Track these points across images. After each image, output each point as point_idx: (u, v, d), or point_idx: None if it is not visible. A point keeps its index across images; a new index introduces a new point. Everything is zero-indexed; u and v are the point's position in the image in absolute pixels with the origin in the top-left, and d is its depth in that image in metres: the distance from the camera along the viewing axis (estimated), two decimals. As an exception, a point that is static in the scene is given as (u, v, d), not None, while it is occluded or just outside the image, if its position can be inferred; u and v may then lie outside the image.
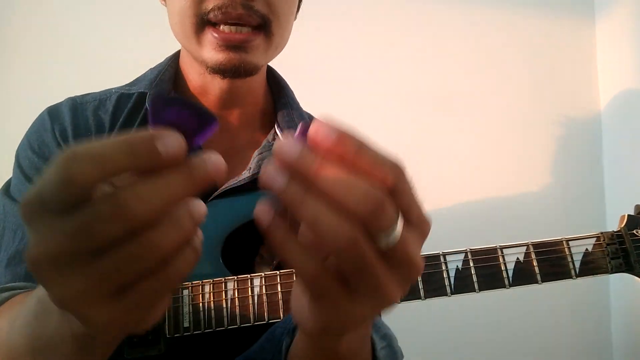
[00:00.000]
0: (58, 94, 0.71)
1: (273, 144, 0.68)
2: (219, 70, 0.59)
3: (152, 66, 0.72)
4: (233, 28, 0.57)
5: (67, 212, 0.24)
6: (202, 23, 0.57)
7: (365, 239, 0.26)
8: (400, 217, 0.27)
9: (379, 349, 0.48)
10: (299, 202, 0.25)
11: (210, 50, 0.58)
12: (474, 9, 1.37)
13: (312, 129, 0.25)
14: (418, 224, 0.29)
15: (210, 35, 0.57)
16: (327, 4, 0.70)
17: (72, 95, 0.69)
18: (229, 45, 0.57)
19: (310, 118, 0.78)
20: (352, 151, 0.26)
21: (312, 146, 0.26)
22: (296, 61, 0.66)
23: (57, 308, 0.30)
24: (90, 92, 0.70)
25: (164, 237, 0.25)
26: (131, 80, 0.72)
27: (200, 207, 0.27)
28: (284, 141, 0.26)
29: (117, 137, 0.24)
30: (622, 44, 1.30)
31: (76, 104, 0.67)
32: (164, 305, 0.31)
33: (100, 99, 0.68)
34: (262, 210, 0.27)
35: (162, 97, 0.24)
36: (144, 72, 0.72)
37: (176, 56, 0.72)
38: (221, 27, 0.57)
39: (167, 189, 0.24)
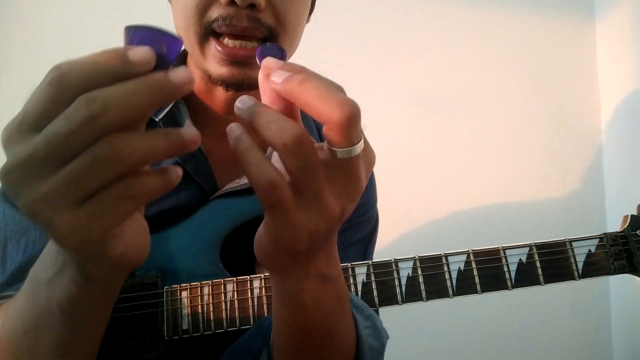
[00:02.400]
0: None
1: None
2: (222, 82, 0.57)
3: None
4: (237, 42, 0.55)
5: (40, 125, 0.26)
6: (206, 33, 0.55)
7: (311, 145, 0.30)
8: (362, 136, 0.31)
9: (362, 327, 0.49)
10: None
11: (214, 63, 0.56)
12: (473, 9, 1.37)
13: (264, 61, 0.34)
14: (367, 151, 0.33)
15: (213, 48, 0.55)
16: (326, 5, 0.70)
17: None
18: (233, 61, 0.55)
19: (314, 121, 0.77)
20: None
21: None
22: (296, 61, 0.65)
23: (43, 277, 0.35)
24: None
25: (131, 145, 0.26)
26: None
27: (188, 133, 0.29)
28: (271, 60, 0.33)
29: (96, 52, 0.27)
30: (622, 44, 1.30)
31: None
32: (137, 234, 0.33)
33: None
34: (233, 126, 0.32)
35: (132, 26, 0.28)
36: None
37: (184, 55, 0.70)
38: (225, 40, 0.55)
39: (135, 93, 0.26)
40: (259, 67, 0.56)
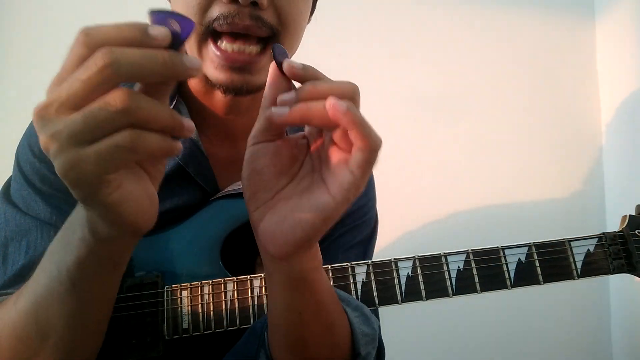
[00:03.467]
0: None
1: None
2: (220, 87, 0.56)
3: None
4: (236, 46, 0.54)
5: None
6: (206, 33, 0.54)
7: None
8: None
9: (353, 317, 0.51)
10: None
11: (212, 67, 0.55)
12: (473, 10, 1.37)
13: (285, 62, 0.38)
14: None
15: (212, 52, 0.54)
16: (326, 6, 0.70)
17: None
18: (232, 67, 0.54)
19: None
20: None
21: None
22: (297, 60, 0.65)
23: (56, 248, 0.39)
24: None
25: (138, 101, 0.30)
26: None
27: (187, 121, 0.34)
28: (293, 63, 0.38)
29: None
30: (622, 44, 1.30)
31: None
32: (140, 193, 0.35)
33: None
34: (337, 102, 0.35)
35: (155, 10, 0.33)
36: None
37: None
38: (224, 44, 0.54)
39: (151, 60, 0.30)
40: (258, 73, 0.56)
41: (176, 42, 0.32)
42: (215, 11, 0.53)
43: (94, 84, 0.29)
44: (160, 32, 0.31)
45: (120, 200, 0.33)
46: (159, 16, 0.32)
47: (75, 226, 0.37)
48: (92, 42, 0.30)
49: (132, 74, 0.29)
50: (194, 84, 0.65)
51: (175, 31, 0.32)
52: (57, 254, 0.39)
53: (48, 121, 0.30)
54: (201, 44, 0.55)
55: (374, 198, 0.79)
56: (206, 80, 0.57)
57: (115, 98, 0.29)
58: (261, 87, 0.57)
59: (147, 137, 0.31)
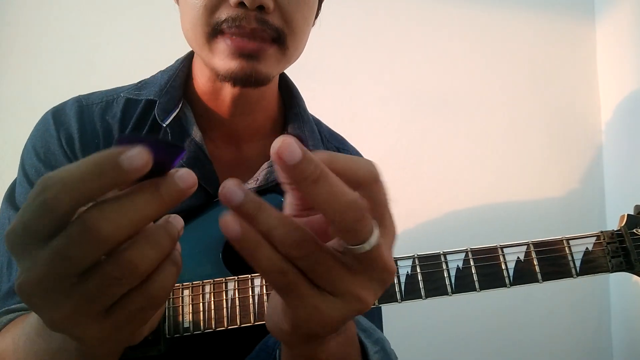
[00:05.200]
0: (57, 92, 0.71)
1: None
2: (230, 78, 0.57)
3: (152, 64, 0.71)
4: (246, 37, 0.55)
5: (47, 239, 0.25)
6: (215, 32, 0.55)
7: (319, 247, 0.28)
8: (376, 225, 0.28)
9: (372, 353, 0.48)
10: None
11: (223, 58, 0.56)
12: (473, 9, 1.37)
13: (278, 149, 0.25)
14: (389, 230, 0.31)
15: (223, 43, 0.55)
16: (327, 5, 0.70)
17: (72, 94, 0.68)
18: (242, 54, 0.55)
19: (318, 125, 0.78)
20: (324, 163, 0.27)
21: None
22: (298, 60, 0.66)
23: None
24: (95, 90, 0.68)
25: (141, 256, 0.26)
26: (132, 78, 0.71)
27: (176, 222, 0.28)
28: (286, 146, 0.25)
29: (86, 158, 0.25)
30: (622, 44, 1.30)
31: (82, 106, 0.65)
32: (156, 317, 0.32)
33: (107, 100, 0.66)
34: (229, 220, 0.27)
35: (128, 137, 0.25)
36: (146, 69, 0.71)
37: (189, 59, 0.70)
38: (233, 38, 0.55)
39: (134, 208, 0.25)
40: (265, 61, 0.57)
41: (161, 169, 0.26)
42: (223, 14, 0.54)
43: (84, 258, 0.25)
44: (136, 159, 0.24)
45: (140, 334, 0.32)
46: (128, 142, 0.25)
47: (65, 355, 0.34)
48: (55, 202, 0.24)
49: (121, 236, 0.25)
50: (201, 85, 0.66)
51: (160, 164, 0.25)
52: (58, 334, 0.34)
53: (46, 301, 0.26)
54: (211, 40, 0.56)
55: None
56: (216, 75, 0.58)
57: (116, 268, 0.25)
58: (266, 80, 0.58)
59: (159, 279, 0.28)
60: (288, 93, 0.74)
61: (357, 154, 0.80)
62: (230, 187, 0.26)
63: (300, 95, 0.75)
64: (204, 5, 0.54)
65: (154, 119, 0.64)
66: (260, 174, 0.66)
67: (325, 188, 0.26)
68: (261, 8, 0.53)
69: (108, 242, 0.24)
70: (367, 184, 0.29)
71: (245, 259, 0.28)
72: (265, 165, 0.67)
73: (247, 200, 0.26)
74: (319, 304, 0.29)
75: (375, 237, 0.28)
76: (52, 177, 0.24)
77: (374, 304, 0.57)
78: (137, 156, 0.24)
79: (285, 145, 0.25)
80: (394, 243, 0.32)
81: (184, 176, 0.26)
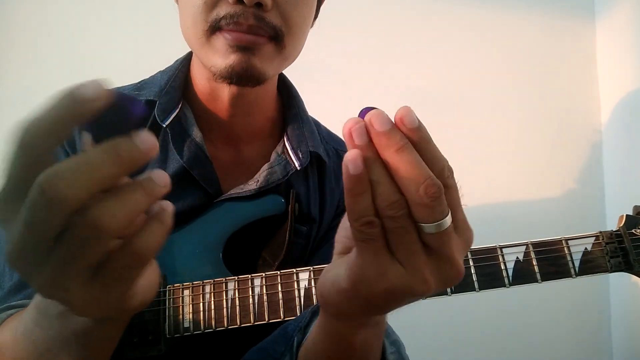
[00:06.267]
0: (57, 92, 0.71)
1: (282, 157, 0.68)
2: (227, 75, 0.57)
3: (152, 64, 0.71)
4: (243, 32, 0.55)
5: (18, 209, 0.25)
6: (213, 29, 0.56)
7: (410, 215, 0.30)
8: (449, 214, 0.30)
9: (389, 352, 0.49)
10: (373, 163, 0.29)
11: (221, 54, 0.56)
12: (473, 9, 1.37)
13: (398, 115, 0.30)
14: (463, 230, 0.33)
15: (221, 38, 0.56)
16: (327, 4, 0.70)
17: None
18: (238, 46, 0.55)
19: (317, 126, 0.78)
20: (423, 140, 0.30)
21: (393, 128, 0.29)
22: (297, 60, 0.66)
23: (54, 311, 0.33)
24: None
25: (106, 213, 0.25)
26: (132, 78, 0.71)
27: (158, 178, 0.28)
28: (377, 114, 0.30)
29: (95, 146, 0.26)
30: (622, 44, 1.30)
31: None
32: (151, 283, 0.32)
33: None
34: (357, 157, 0.29)
35: (92, 123, 0.26)
36: (145, 69, 0.71)
37: (187, 59, 0.70)
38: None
39: (91, 168, 0.25)
40: (261, 58, 0.57)
41: (130, 125, 0.26)
42: (222, 11, 0.55)
43: (50, 226, 0.25)
44: (148, 139, 0.26)
45: (142, 296, 0.32)
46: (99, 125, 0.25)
47: (63, 342, 0.34)
48: (70, 193, 0.24)
49: (83, 198, 0.25)
50: (200, 86, 0.66)
51: (130, 119, 0.26)
52: (55, 320, 0.35)
53: (30, 266, 0.26)
54: (209, 37, 0.57)
55: None
56: (213, 73, 0.58)
57: (82, 230, 0.25)
58: (262, 78, 0.59)
59: (146, 237, 0.28)
60: (287, 94, 0.74)
61: None
62: (380, 115, 0.29)
63: (299, 96, 0.75)
64: (203, 2, 0.55)
65: (153, 119, 0.64)
66: (261, 175, 0.66)
67: (411, 156, 0.28)
68: (259, 5, 0.54)
69: (67, 203, 0.24)
70: (444, 178, 0.30)
71: (346, 199, 0.29)
72: (265, 166, 0.67)
73: (392, 132, 0.29)
74: (388, 268, 0.31)
75: (447, 221, 0.30)
76: (62, 169, 0.25)
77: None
78: (149, 138, 0.26)
79: (376, 113, 0.29)
80: (467, 249, 0.33)
81: (145, 138, 0.26)
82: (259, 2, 0.53)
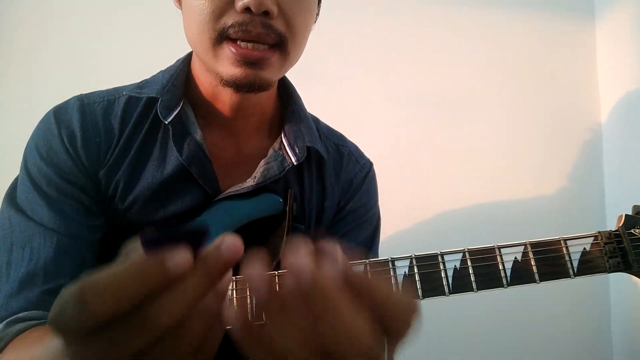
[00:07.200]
0: (58, 92, 0.71)
1: (279, 153, 0.69)
2: (233, 84, 0.58)
3: (152, 63, 0.72)
4: (250, 45, 0.57)
5: (99, 330, 0.24)
6: (221, 38, 0.57)
7: None
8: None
9: None
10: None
11: (227, 64, 0.57)
12: (473, 10, 1.37)
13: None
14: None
15: (228, 50, 0.57)
16: (327, 5, 0.70)
17: (73, 94, 0.68)
18: (246, 62, 0.57)
19: (316, 122, 0.78)
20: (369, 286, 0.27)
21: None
22: (297, 61, 0.66)
23: None
24: (96, 90, 0.69)
25: (166, 311, 0.25)
26: (132, 78, 0.71)
27: (223, 283, 0.27)
28: (302, 262, 0.26)
29: (125, 264, 0.25)
30: (622, 44, 1.30)
31: (84, 105, 0.65)
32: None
33: (108, 99, 0.67)
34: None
35: (149, 237, 0.25)
36: (146, 69, 0.72)
37: (188, 59, 0.70)
38: (239, 43, 0.57)
39: (187, 296, 0.25)
40: (268, 68, 0.58)
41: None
42: (230, 19, 0.55)
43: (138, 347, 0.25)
44: (181, 260, 0.25)
45: None
46: (159, 244, 0.25)
47: None
48: (98, 308, 0.24)
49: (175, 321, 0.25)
50: (201, 87, 0.67)
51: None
52: None
53: None
54: (216, 46, 0.57)
55: (376, 196, 0.79)
56: (219, 80, 0.59)
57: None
58: (268, 86, 0.60)
59: (188, 333, 0.27)
60: (285, 92, 0.75)
61: (356, 150, 0.81)
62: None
63: (297, 93, 0.76)
64: (211, 11, 0.55)
65: (154, 116, 0.65)
66: (258, 172, 0.66)
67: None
68: (266, 13, 0.55)
69: (164, 328, 0.25)
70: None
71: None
72: (262, 162, 0.67)
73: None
74: None
75: None
76: (92, 285, 0.24)
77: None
78: (183, 257, 0.25)
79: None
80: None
81: (231, 244, 0.26)
82: (266, 10, 0.54)
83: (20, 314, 0.54)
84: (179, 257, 0.25)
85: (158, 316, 0.24)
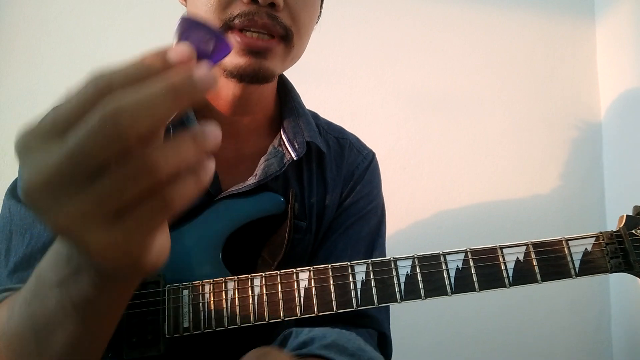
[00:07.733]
0: (58, 92, 0.70)
1: (279, 149, 0.69)
2: (237, 74, 0.59)
3: None
4: (256, 34, 0.57)
5: (62, 134, 0.24)
6: (227, 28, 0.57)
7: None
8: None
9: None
10: None
11: (232, 54, 0.58)
12: (473, 9, 1.37)
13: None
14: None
15: (233, 40, 0.57)
16: (327, 4, 0.70)
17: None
18: (251, 51, 0.57)
19: (315, 118, 0.78)
20: None
21: None
22: (298, 60, 0.66)
23: (55, 278, 0.32)
24: None
25: (163, 158, 0.25)
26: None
27: (211, 135, 0.27)
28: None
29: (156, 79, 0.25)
30: (622, 44, 1.30)
31: None
32: (163, 239, 0.31)
33: None
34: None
35: (189, 19, 0.26)
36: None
37: None
38: (245, 32, 0.57)
39: (153, 102, 0.25)
40: (272, 59, 0.58)
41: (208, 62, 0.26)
42: (236, 9, 0.56)
43: (105, 153, 0.24)
44: (179, 54, 0.27)
45: (155, 256, 0.30)
46: (190, 27, 0.26)
47: (78, 269, 0.32)
48: (132, 131, 0.24)
49: (146, 131, 0.24)
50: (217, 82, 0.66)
51: (204, 50, 0.26)
52: (55, 289, 0.33)
53: (53, 201, 0.25)
54: None
55: (379, 185, 0.79)
56: (223, 70, 0.60)
57: (137, 165, 0.24)
58: (271, 77, 0.61)
59: (182, 187, 0.26)
60: (283, 89, 0.76)
61: (357, 142, 0.81)
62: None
63: (295, 90, 0.76)
64: (218, 0, 0.56)
65: None
66: (259, 169, 0.66)
67: None
68: (272, 5, 0.56)
69: (127, 136, 0.23)
70: None
71: None
72: (262, 159, 0.67)
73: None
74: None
75: None
76: (125, 104, 0.24)
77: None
78: (181, 51, 0.27)
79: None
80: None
81: (204, 75, 0.26)
82: (272, 1, 0.55)
83: (12, 285, 0.53)
84: (181, 51, 0.26)
85: (122, 115, 0.23)
